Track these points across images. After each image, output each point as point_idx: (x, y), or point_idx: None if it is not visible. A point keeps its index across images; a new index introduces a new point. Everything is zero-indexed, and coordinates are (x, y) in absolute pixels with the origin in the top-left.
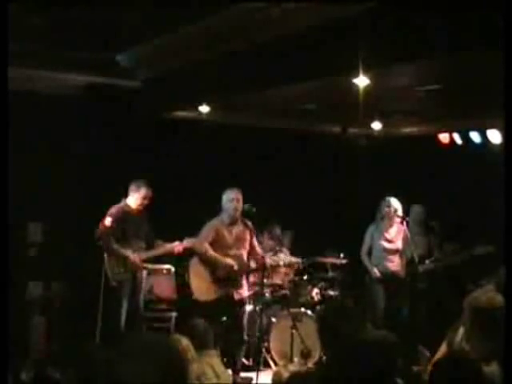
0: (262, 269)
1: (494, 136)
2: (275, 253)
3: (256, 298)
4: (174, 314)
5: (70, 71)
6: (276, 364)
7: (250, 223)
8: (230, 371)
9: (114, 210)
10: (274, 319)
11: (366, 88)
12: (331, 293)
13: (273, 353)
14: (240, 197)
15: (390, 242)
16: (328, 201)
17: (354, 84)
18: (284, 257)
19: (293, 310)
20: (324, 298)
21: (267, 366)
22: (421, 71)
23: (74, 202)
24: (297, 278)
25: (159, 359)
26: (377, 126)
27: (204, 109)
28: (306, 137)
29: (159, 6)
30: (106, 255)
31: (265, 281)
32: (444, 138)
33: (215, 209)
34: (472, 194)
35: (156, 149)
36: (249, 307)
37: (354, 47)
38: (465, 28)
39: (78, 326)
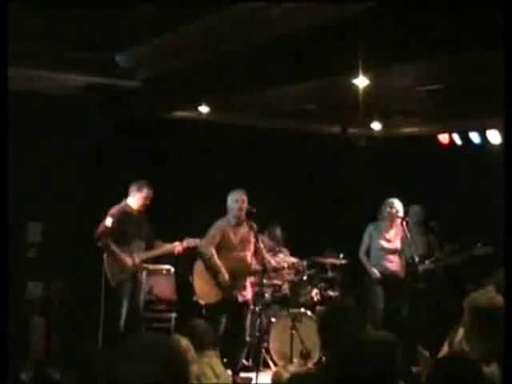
0: (262, 270)
1: (494, 136)
2: (275, 253)
3: (256, 298)
4: (173, 315)
5: (70, 71)
6: (275, 364)
7: (254, 225)
8: (229, 372)
9: (114, 210)
10: (273, 319)
11: (366, 88)
12: (331, 293)
13: (272, 353)
14: (245, 198)
15: (388, 241)
16: (328, 201)
17: (353, 84)
18: (283, 257)
19: (292, 311)
20: (324, 299)
21: (267, 366)
22: (420, 71)
23: (73, 202)
24: (296, 279)
25: (159, 360)
26: (376, 126)
27: (204, 109)
28: (305, 137)
29: (159, 5)
30: (105, 256)
31: (264, 281)
32: (444, 138)
33: (215, 209)
34: (472, 194)
35: (155, 149)
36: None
37: (354, 47)
38: (465, 28)
39: (78, 326)
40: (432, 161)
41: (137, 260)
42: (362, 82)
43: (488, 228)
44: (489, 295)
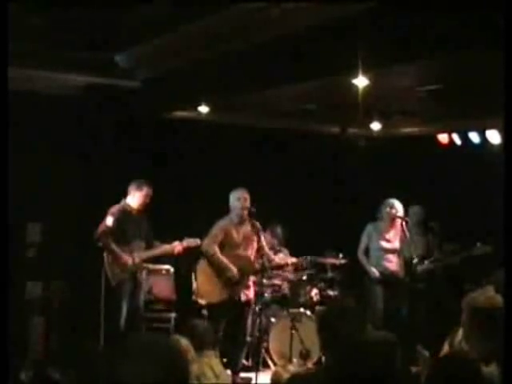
0: (262, 269)
1: (493, 136)
2: (275, 252)
3: (256, 298)
4: (173, 315)
5: (69, 71)
6: (275, 364)
7: (257, 223)
8: (229, 372)
9: (114, 209)
10: (273, 319)
11: (366, 88)
12: (330, 293)
13: (272, 353)
14: (247, 196)
15: (388, 241)
16: (327, 201)
17: (353, 84)
18: (283, 256)
19: (292, 311)
20: (323, 299)
21: (266, 366)
22: (420, 71)
23: (73, 202)
24: (296, 279)
25: (159, 360)
26: (376, 126)
27: (203, 109)
28: (305, 137)
29: (159, 5)
30: (105, 255)
31: (264, 281)
32: (443, 138)
33: (215, 209)
34: (471, 194)
35: (155, 149)
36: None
37: (354, 47)
38: (464, 28)
39: (78, 326)
40: (431, 161)
41: (137, 259)
42: (361, 82)
43: (487, 228)
44: (487, 295)
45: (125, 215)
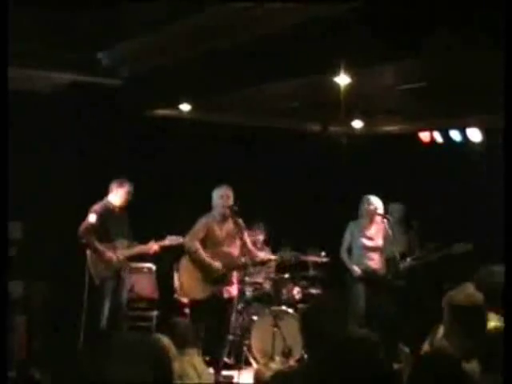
0: (245, 267)
1: (474, 134)
2: (258, 250)
3: (238, 295)
4: (155, 313)
5: (53, 70)
6: (257, 362)
7: (240, 221)
8: (211, 370)
9: (96, 207)
10: (255, 317)
11: (347, 86)
12: (313, 291)
13: (254, 351)
14: (230, 193)
15: (370, 239)
16: (309, 199)
17: (335, 82)
18: (265, 254)
19: (274, 309)
20: (305, 297)
21: (248, 364)
22: (401, 70)
23: (55, 201)
24: (278, 277)
25: (142, 359)
26: (358, 124)
27: (185, 107)
28: (288, 135)
29: (143, 3)
30: (88, 253)
31: (246, 279)
32: (425, 136)
33: (199, 206)
34: (452, 192)
35: (139, 147)
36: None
37: (336, 46)
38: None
39: (60, 325)
40: (413, 159)
41: (121, 257)
42: (343, 80)
43: (468, 226)
44: (467, 292)
45: (107, 213)
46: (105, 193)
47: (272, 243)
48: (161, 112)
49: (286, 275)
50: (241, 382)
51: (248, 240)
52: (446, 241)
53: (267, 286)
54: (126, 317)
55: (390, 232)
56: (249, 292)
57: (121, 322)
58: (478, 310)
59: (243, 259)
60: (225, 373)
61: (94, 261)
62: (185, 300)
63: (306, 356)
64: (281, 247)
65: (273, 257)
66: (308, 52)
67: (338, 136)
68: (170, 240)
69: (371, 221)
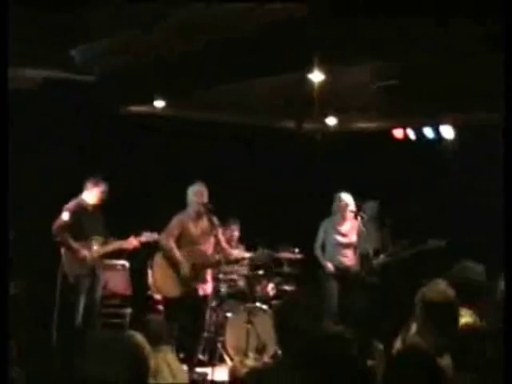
0: (219, 264)
1: (447, 132)
2: (232, 248)
3: (213, 293)
4: (128, 311)
5: (27, 67)
6: (231, 359)
7: (215, 218)
8: (185, 367)
9: (70, 205)
10: (229, 314)
11: (321, 83)
12: (286, 288)
13: (228, 348)
14: (204, 191)
15: (343, 236)
16: (283, 196)
17: (308, 79)
18: (239, 252)
19: (248, 305)
20: (279, 293)
21: (222, 361)
22: (375, 67)
23: (30, 200)
24: (252, 274)
25: (117, 357)
26: (331, 121)
27: (159, 104)
28: (262, 132)
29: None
30: (63, 251)
31: (220, 276)
32: (398, 133)
33: (174, 203)
34: (426, 189)
35: (113, 144)
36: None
37: (310, 43)
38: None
39: (34, 323)
40: (387, 156)
41: (95, 254)
42: (317, 77)
43: (442, 223)
44: (440, 288)
45: (81, 211)
46: (80, 190)
47: (246, 240)
48: (135, 109)
49: (260, 272)
50: (215, 378)
51: (222, 238)
52: (419, 238)
53: (241, 282)
54: (100, 314)
55: (363, 229)
56: (223, 289)
57: (95, 319)
58: (451, 306)
59: (217, 257)
60: (199, 370)
61: (68, 259)
62: (158, 297)
63: (279, 352)
64: (255, 245)
65: (247, 255)
66: (282, 49)
67: (313, 133)
68: (146, 236)
69: (344, 218)
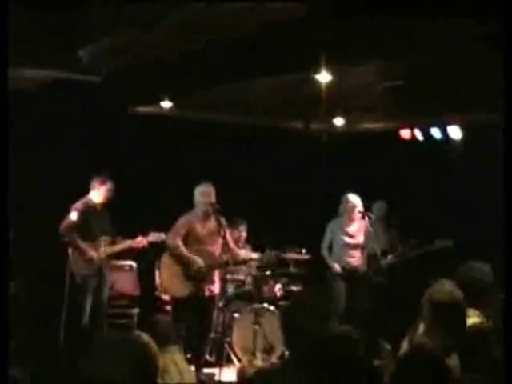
0: (226, 265)
1: (455, 132)
2: (239, 248)
3: (220, 293)
4: (136, 311)
5: (33, 67)
6: (239, 360)
7: (223, 219)
8: (192, 367)
9: (78, 205)
10: (236, 315)
11: (328, 84)
12: (293, 288)
13: (235, 348)
14: (212, 191)
15: (351, 236)
16: (290, 197)
17: (316, 80)
18: (246, 252)
19: (255, 306)
20: (286, 294)
21: (230, 361)
22: (382, 68)
23: (35, 200)
24: (259, 274)
25: (124, 357)
26: (339, 121)
27: (166, 104)
28: (270, 133)
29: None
30: (70, 251)
31: (228, 276)
32: (405, 133)
33: (181, 204)
34: (433, 189)
35: (120, 144)
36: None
37: (317, 43)
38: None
39: (41, 323)
40: (394, 156)
41: (103, 254)
42: (324, 77)
43: (449, 223)
44: (447, 289)
45: (89, 210)
46: (87, 190)
47: (253, 241)
48: (142, 109)
49: (268, 272)
50: (222, 379)
51: (230, 238)
52: (426, 238)
53: (249, 283)
54: (107, 314)
55: (370, 229)
56: (230, 289)
57: (102, 319)
58: (458, 307)
59: (224, 257)
60: (206, 370)
61: (75, 259)
62: (166, 297)
63: (287, 353)
64: (262, 246)
65: (254, 256)
66: (282, 49)
67: (319, 134)
68: (153, 236)
69: (351, 218)
